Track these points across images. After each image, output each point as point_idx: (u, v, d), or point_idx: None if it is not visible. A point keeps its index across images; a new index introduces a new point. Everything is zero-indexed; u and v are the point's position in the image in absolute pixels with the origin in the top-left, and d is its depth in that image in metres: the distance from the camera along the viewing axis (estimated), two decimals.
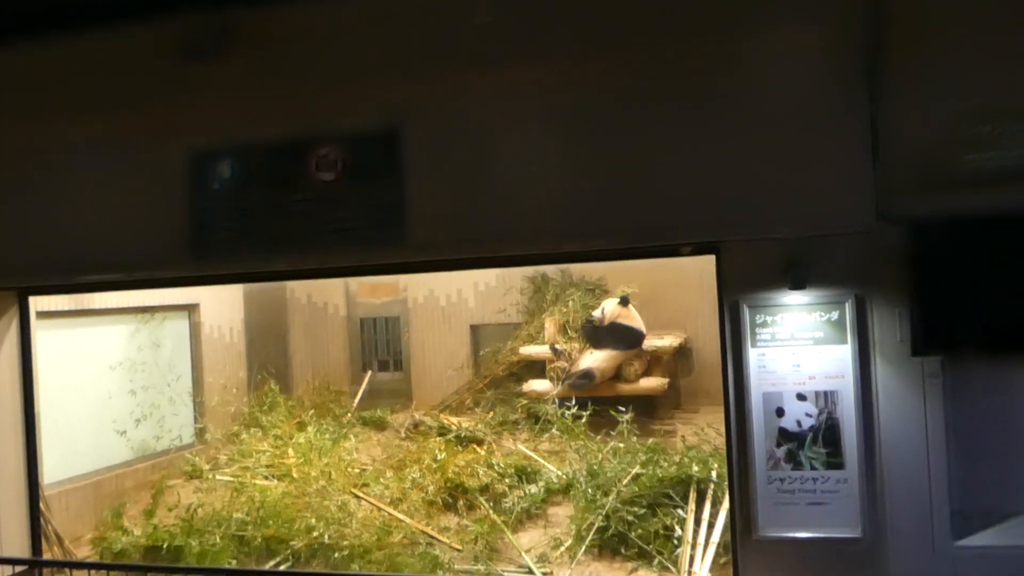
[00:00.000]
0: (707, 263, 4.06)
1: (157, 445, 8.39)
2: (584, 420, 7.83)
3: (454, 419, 8.89)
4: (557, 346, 9.00)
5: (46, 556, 5.73)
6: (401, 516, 6.82)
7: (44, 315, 6.93)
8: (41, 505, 5.53)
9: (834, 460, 3.78)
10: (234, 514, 6.88)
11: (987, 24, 3.42)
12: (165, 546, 6.60)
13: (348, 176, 4.01)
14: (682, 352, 9.34)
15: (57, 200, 4.44)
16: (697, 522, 6.02)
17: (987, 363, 3.74)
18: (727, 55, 3.60)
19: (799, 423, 3.82)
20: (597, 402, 8.02)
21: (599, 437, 7.57)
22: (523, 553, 6.29)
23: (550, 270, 9.80)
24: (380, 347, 11.07)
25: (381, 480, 7.42)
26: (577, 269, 9.74)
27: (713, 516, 6.02)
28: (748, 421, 3.87)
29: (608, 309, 8.70)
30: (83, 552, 6.89)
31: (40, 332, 6.75)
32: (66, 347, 7.47)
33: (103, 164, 4.36)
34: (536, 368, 9.30)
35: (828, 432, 3.79)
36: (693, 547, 5.80)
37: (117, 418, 7.95)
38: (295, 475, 7.45)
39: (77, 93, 4.29)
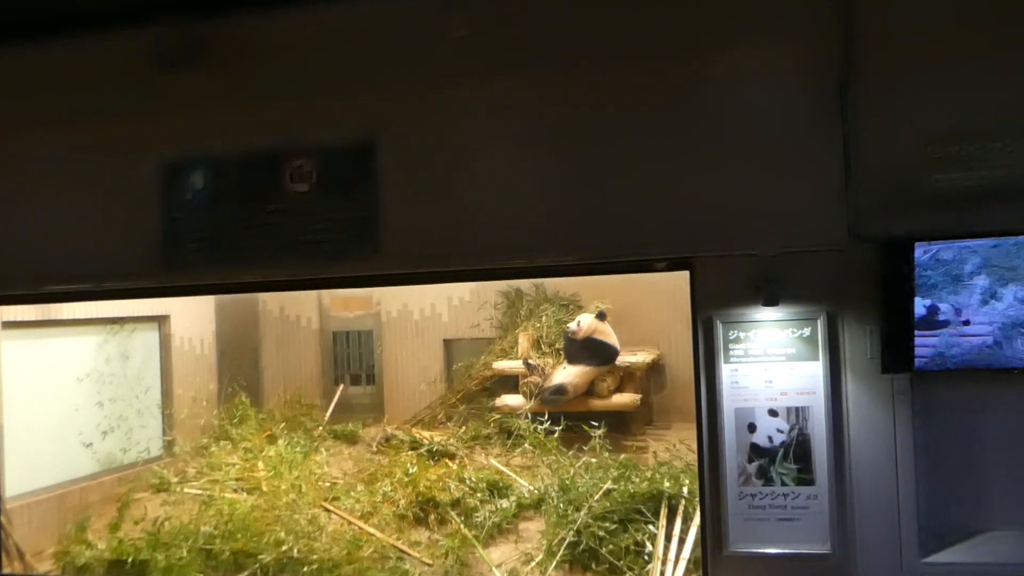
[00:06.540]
0: (680, 279, 4.07)
1: (124, 458, 8.26)
2: (556, 435, 7.80)
3: (426, 433, 8.83)
4: (530, 361, 8.98)
5: (6, 571, 5.62)
6: (371, 530, 6.76)
7: (10, 325, 6.82)
8: (2, 518, 5.43)
9: (804, 476, 3.80)
10: (202, 527, 6.77)
11: (957, 46, 3.49)
12: (130, 560, 6.49)
13: (322, 188, 4.00)
14: (655, 368, 9.36)
15: (25, 209, 4.38)
16: (668, 538, 6.02)
17: (955, 381, 3.77)
18: (702, 73, 3.65)
19: (770, 439, 3.84)
20: (570, 417, 8.00)
21: (571, 452, 7.55)
22: (494, 568, 6.26)
23: (524, 285, 9.79)
24: (353, 361, 10.98)
25: (352, 494, 7.35)
26: (551, 284, 9.73)
27: (684, 532, 6.01)
28: (720, 437, 3.88)
29: (584, 323, 8.70)
30: (45, 566, 6.76)
31: (5, 342, 6.66)
32: (32, 358, 7.35)
33: (73, 173, 4.31)
34: (509, 383, 9.26)
35: (799, 448, 3.81)
36: (664, 563, 5.80)
37: (83, 430, 7.82)
38: (265, 488, 7.37)
39: (48, 103, 4.24)
